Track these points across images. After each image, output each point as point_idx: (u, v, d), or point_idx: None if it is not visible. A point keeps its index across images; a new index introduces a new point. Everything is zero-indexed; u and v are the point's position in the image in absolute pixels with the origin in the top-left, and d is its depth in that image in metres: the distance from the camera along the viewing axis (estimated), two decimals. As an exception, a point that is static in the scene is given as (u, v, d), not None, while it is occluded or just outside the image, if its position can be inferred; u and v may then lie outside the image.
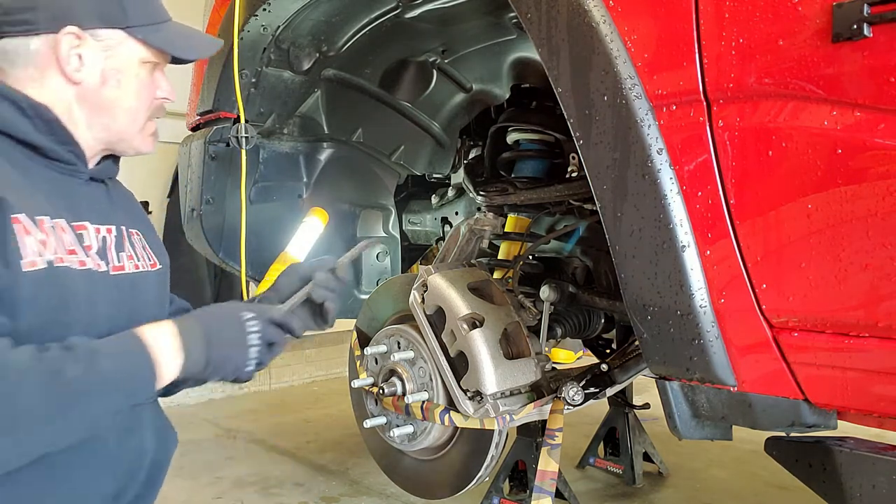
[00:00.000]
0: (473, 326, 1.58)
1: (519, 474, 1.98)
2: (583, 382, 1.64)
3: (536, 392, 1.61)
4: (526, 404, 1.58)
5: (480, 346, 1.55)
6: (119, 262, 1.11)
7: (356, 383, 1.85)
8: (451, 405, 1.62)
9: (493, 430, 1.66)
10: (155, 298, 1.18)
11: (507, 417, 1.55)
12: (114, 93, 1.10)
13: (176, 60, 1.18)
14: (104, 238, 1.10)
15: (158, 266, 1.21)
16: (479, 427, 1.58)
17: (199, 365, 1.03)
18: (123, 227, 1.15)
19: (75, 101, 1.08)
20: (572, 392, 1.57)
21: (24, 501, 0.96)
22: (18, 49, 1.05)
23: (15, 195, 0.97)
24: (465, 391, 1.58)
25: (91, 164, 1.12)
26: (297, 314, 1.23)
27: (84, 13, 1.06)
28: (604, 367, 1.72)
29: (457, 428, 1.71)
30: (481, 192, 1.98)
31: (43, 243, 0.97)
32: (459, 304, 1.60)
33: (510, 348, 1.63)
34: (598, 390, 1.67)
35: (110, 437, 1.03)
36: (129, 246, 1.14)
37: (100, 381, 0.93)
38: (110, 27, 1.08)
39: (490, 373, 1.54)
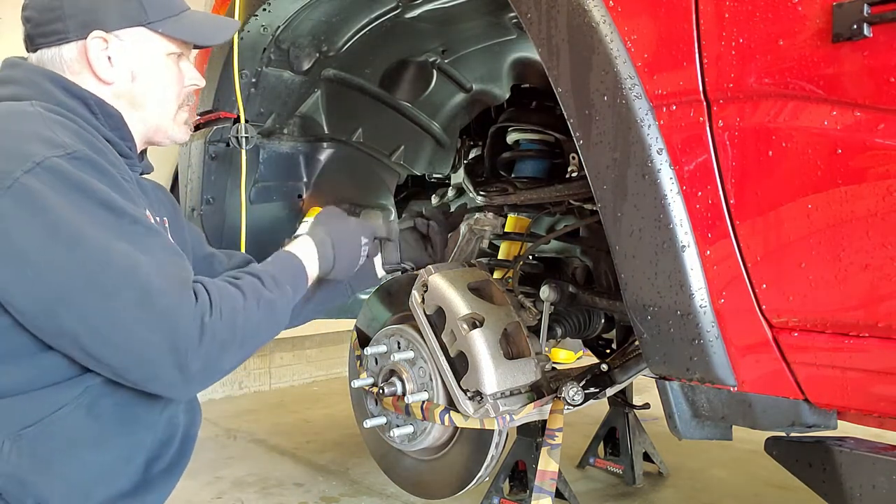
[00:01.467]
0: (473, 326, 1.58)
1: (519, 474, 1.98)
2: (583, 382, 1.64)
3: (536, 392, 1.61)
4: (526, 404, 1.58)
5: (480, 346, 1.55)
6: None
7: (356, 383, 1.85)
8: (451, 405, 1.63)
9: (493, 430, 1.67)
10: None
11: (507, 417, 1.55)
12: (145, 87, 1.18)
13: (199, 46, 1.28)
14: (165, 227, 1.25)
15: None
16: (479, 427, 1.58)
17: (327, 271, 1.39)
18: (165, 220, 1.29)
19: (112, 100, 1.16)
20: (572, 392, 1.57)
21: (80, 464, 1.01)
22: (54, 59, 1.13)
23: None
24: (465, 391, 1.58)
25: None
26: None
27: (107, 16, 1.13)
28: (604, 367, 1.72)
29: (457, 428, 1.71)
30: (481, 192, 1.98)
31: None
32: (459, 304, 1.60)
33: (510, 348, 1.63)
34: (598, 390, 1.67)
35: (154, 407, 1.10)
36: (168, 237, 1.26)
37: (284, 296, 1.18)
38: (132, 26, 1.15)
39: (490, 373, 1.54)
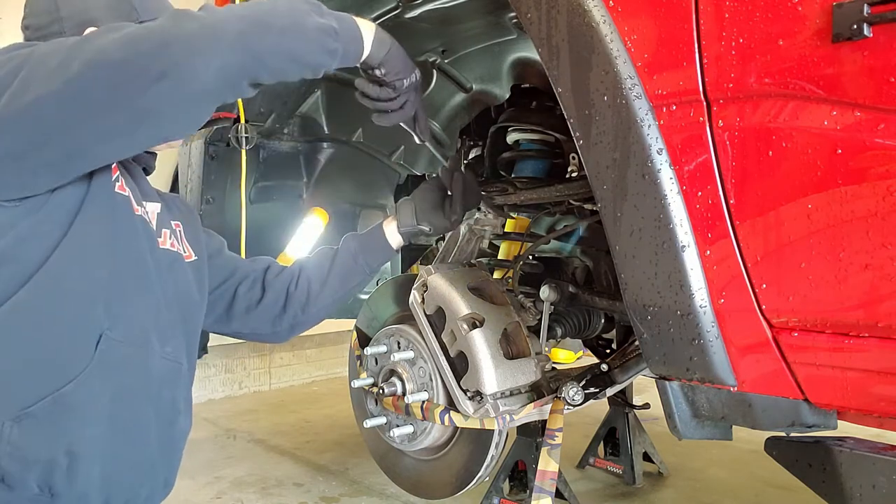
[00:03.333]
0: (473, 327, 1.58)
1: (519, 474, 1.98)
2: (583, 382, 1.64)
3: (536, 392, 1.61)
4: (526, 404, 1.58)
5: (480, 346, 1.55)
6: (160, 236, 1.23)
7: (356, 383, 1.86)
8: (451, 405, 1.63)
9: (493, 431, 1.67)
10: (194, 283, 1.29)
11: (507, 417, 1.55)
12: None
13: None
14: (155, 213, 1.23)
15: (194, 257, 1.32)
16: (479, 427, 1.58)
17: (378, 56, 1.24)
18: (168, 214, 1.28)
19: None
20: (572, 392, 1.57)
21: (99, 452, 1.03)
22: None
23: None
24: (465, 391, 1.58)
25: None
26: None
27: (100, 14, 1.14)
28: (604, 367, 1.72)
29: (457, 428, 1.71)
30: (482, 191, 1.98)
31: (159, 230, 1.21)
32: (459, 305, 1.60)
33: (510, 348, 1.63)
34: (598, 390, 1.67)
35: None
36: (170, 231, 1.26)
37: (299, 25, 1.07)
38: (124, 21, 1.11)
39: (490, 373, 1.54)
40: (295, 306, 1.48)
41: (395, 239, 1.57)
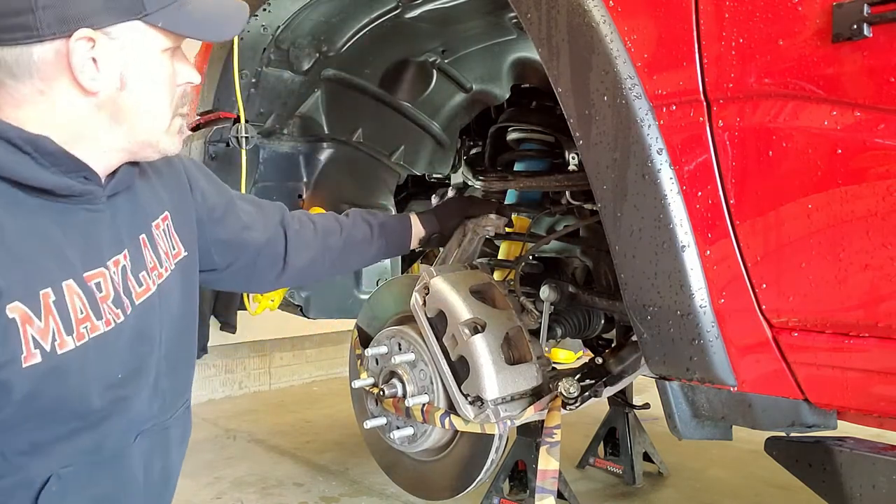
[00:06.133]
0: (475, 331, 1.57)
1: (519, 474, 1.98)
2: (577, 376, 1.63)
3: (537, 396, 1.61)
4: (526, 408, 1.57)
5: (482, 351, 1.54)
6: (141, 285, 1.04)
7: (356, 384, 1.85)
8: (452, 409, 1.62)
9: (493, 435, 1.66)
10: (180, 295, 1.14)
11: (508, 422, 1.55)
12: (135, 97, 0.96)
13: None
14: (123, 268, 1.01)
15: (183, 254, 1.16)
16: (479, 432, 1.58)
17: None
18: (143, 237, 1.06)
19: (91, 114, 0.94)
20: (567, 385, 1.56)
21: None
22: (19, 60, 0.89)
23: (13, 270, 0.85)
24: (465, 396, 1.58)
25: (105, 181, 1.00)
26: None
27: (94, 9, 0.90)
28: (598, 360, 1.72)
29: (457, 431, 1.71)
30: (480, 178, 1.98)
31: (42, 332, 0.87)
32: (461, 309, 1.59)
33: (511, 353, 1.62)
34: (593, 382, 1.66)
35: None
36: (151, 254, 1.07)
37: None
38: (127, 19, 0.93)
39: (491, 379, 1.53)
40: (291, 273, 1.47)
41: (414, 241, 1.62)
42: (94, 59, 0.91)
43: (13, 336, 0.84)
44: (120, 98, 0.95)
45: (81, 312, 0.92)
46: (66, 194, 0.93)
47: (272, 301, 2.09)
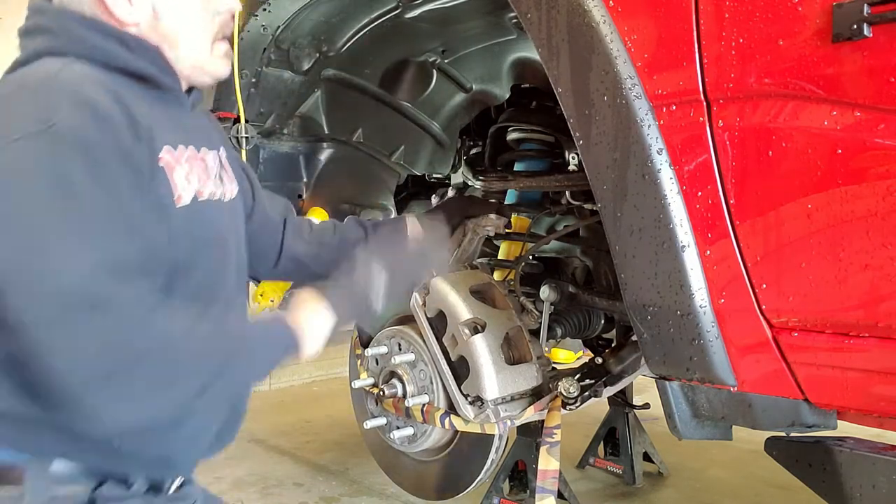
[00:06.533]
0: (475, 331, 1.57)
1: (519, 474, 1.98)
2: (577, 375, 1.63)
3: (537, 396, 1.61)
4: (526, 408, 1.57)
5: (482, 351, 1.54)
6: (229, 185, 1.15)
7: (357, 384, 1.85)
8: (452, 409, 1.62)
9: (493, 435, 1.66)
10: (244, 217, 1.23)
11: (508, 422, 1.55)
12: (171, 25, 1.03)
13: None
14: (219, 163, 1.14)
15: (237, 190, 1.24)
16: (479, 432, 1.58)
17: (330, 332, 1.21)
18: (223, 149, 1.17)
19: None
20: (567, 385, 1.56)
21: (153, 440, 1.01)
22: (72, 1, 1.00)
23: (154, 126, 0.98)
24: (465, 396, 1.58)
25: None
26: None
27: None
28: (598, 360, 1.72)
29: (457, 431, 1.71)
30: (480, 178, 1.98)
31: (187, 177, 1.01)
32: (461, 309, 1.59)
33: (511, 353, 1.62)
34: (593, 381, 1.66)
35: None
36: (230, 168, 1.18)
37: (249, 364, 1.05)
38: None
39: (491, 379, 1.53)
40: (286, 263, 1.47)
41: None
42: None
43: (164, 180, 0.97)
44: (159, 27, 1.03)
45: (203, 174, 1.06)
46: (165, 87, 1.04)
47: (272, 301, 2.09)
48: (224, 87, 1.89)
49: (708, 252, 1.07)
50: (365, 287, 1.24)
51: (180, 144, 1.03)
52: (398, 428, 1.75)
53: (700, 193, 1.06)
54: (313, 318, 1.17)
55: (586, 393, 1.62)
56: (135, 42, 1.01)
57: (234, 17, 1.12)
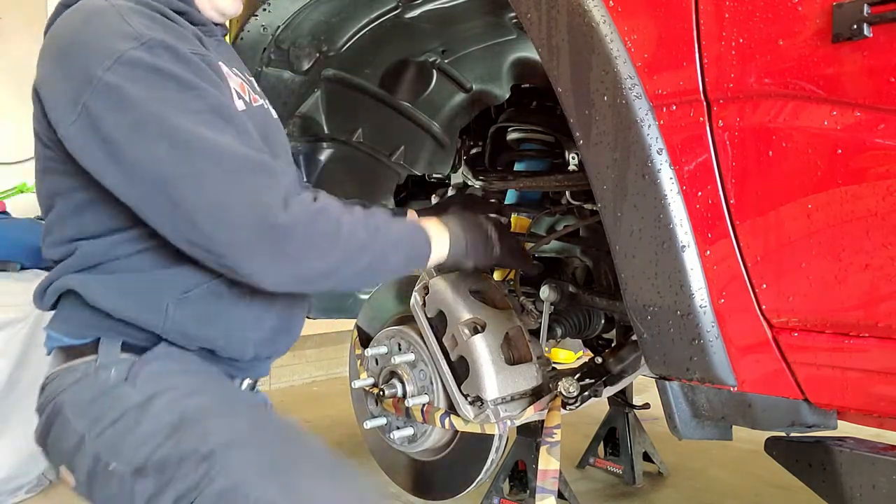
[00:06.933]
0: (475, 331, 1.57)
1: (519, 474, 1.98)
2: (577, 375, 1.63)
3: (537, 396, 1.61)
4: (526, 408, 1.57)
5: (481, 352, 1.54)
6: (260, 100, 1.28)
7: (357, 384, 1.85)
8: (452, 409, 1.62)
9: (493, 435, 1.66)
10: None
11: (508, 422, 1.55)
12: None
13: None
14: (251, 84, 1.29)
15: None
16: (479, 432, 1.58)
17: (461, 252, 1.32)
18: (253, 81, 1.32)
19: None
20: (567, 384, 1.56)
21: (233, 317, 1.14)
22: None
23: (210, 48, 1.13)
24: (465, 396, 1.58)
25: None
26: None
27: None
28: (598, 360, 1.72)
29: (457, 431, 1.71)
30: (480, 178, 1.98)
31: (241, 87, 1.17)
32: (461, 309, 1.60)
33: (511, 353, 1.62)
34: (593, 381, 1.66)
35: None
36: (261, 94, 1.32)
37: (395, 234, 1.17)
38: None
39: (491, 379, 1.53)
40: None
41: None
42: None
43: (225, 84, 1.11)
44: None
45: (246, 87, 1.21)
46: (197, 22, 1.18)
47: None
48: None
49: (708, 252, 1.07)
50: (486, 232, 1.39)
51: (227, 65, 1.17)
52: (398, 428, 1.75)
53: (700, 193, 1.06)
54: (439, 240, 1.28)
55: (586, 393, 1.61)
56: None
57: None
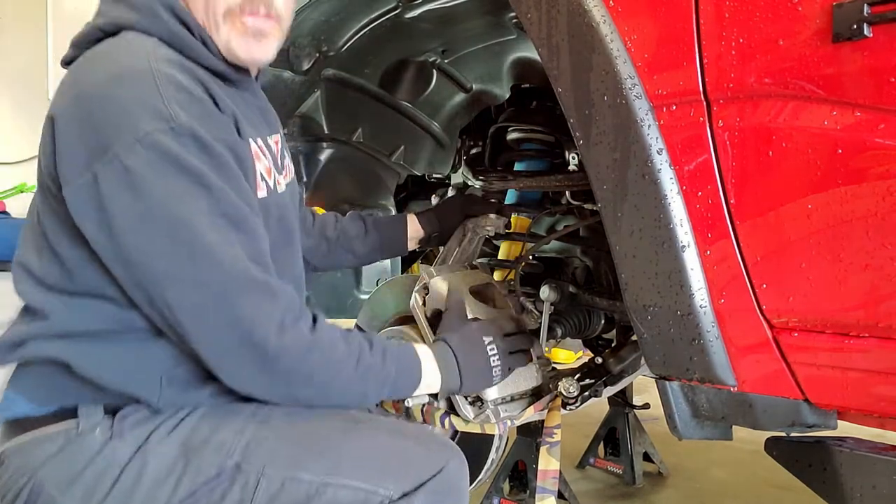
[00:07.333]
0: (475, 332, 1.57)
1: (519, 474, 1.98)
2: (577, 375, 1.63)
3: (537, 396, 1.61)
4: (526, 408, 1.57)
5: None
6: (288, 167, 1.24)
7: (356, 383, 1.85)
8: (452, 409, 1.62)
9: (493, 435, 1.66)
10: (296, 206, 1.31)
11: (508, 422, 1.54)
12: None
13: None
14: (282, 150, 1.22)
15: (292, 176, 1.31)
16: (479, 432, 1.58)
17: (455, 387, 1.26)
18: (278, 136, 1.24)
19: None
20: (567, 384, 1.56)
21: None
22: None
23: (238, 119, 1.04)
24: (465, 396, 1.58)
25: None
26: None
27: None
28: (598, 360, 1.72)
29: (457, 431, 1.71)
30: (480, 178, 1.98)
31: (268, 171, 1.11)
32: None
33: (511, 353, 1.62)
34: (593, 381, 1.66)
35: None
36: (286, 152, 1.26)
37: (383, 376, 1.10)
38: None
39: None
40: None
41: (414, 241, 1.67)
42: None
43: (251, 171, 1.05)
44: None
45: (272, 165, 1.14)
46: (229, 78, 1.09)
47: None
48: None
49: (708, 252, 1.07)
50: (483, 358, 1.31)
51: (258, 137, 1.10)
52: (398, 428, 1.75)
53: (700, 193, 1.06)
54: (430, 374, 1.22)
55: (586, 393, 1.61)
56: (198, 32, 1.04)
57: None
